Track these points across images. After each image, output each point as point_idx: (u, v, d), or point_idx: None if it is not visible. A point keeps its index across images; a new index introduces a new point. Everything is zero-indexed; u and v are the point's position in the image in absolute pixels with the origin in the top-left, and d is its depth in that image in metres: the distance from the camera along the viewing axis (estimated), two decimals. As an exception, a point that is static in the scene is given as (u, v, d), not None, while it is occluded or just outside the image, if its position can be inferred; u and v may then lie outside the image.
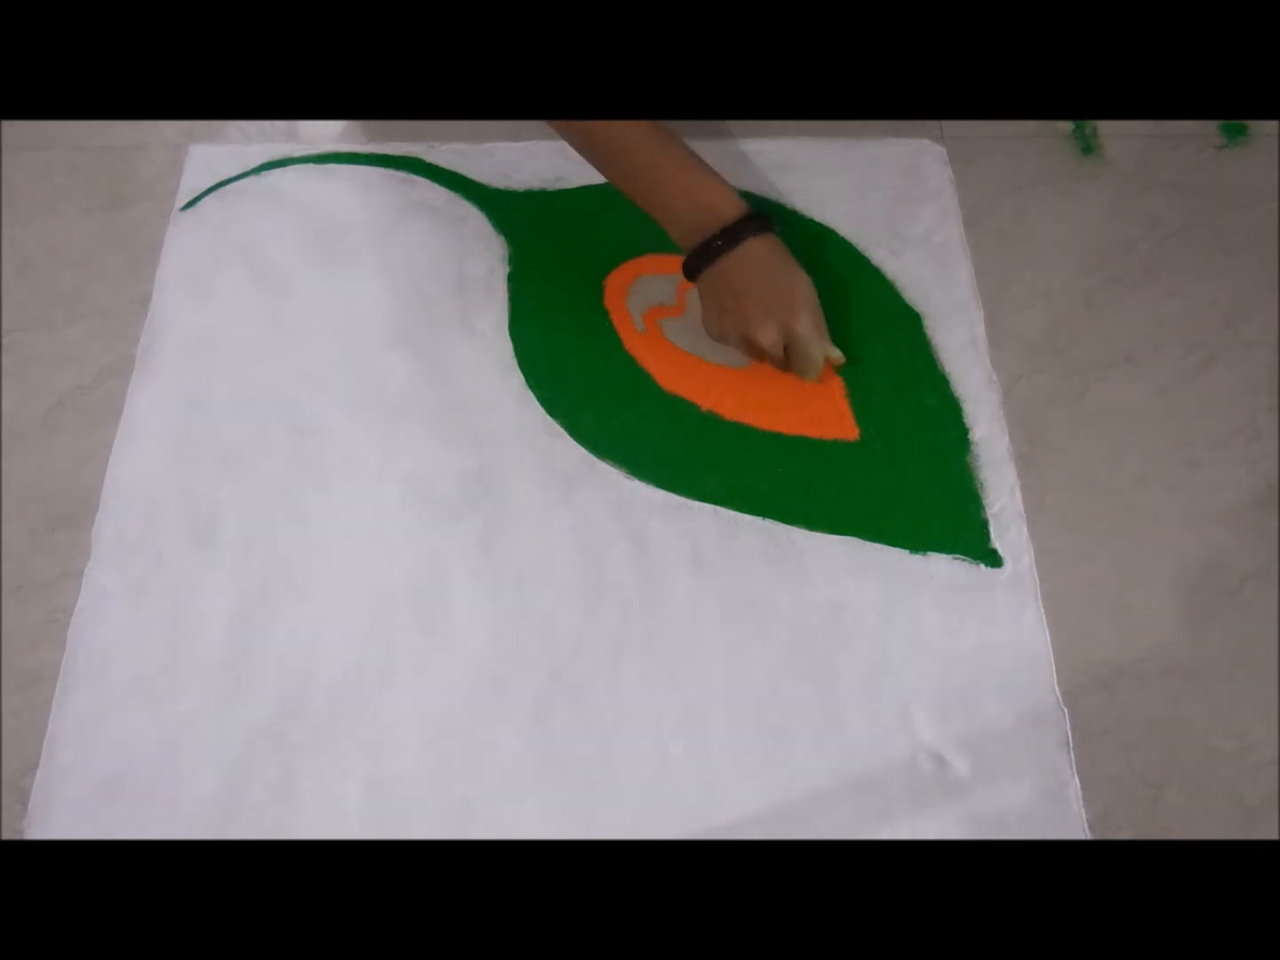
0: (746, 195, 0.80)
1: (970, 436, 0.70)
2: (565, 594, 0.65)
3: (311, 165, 0.82)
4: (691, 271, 0.68)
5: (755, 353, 0.69)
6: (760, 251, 0.66)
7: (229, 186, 0.81)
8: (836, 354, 0.70)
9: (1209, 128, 0.83)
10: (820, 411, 0.71)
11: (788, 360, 0.69)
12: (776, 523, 0.67)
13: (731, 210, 0.65)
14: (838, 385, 0.72)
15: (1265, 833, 0.58)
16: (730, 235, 0.65)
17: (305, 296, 0.76)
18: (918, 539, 0.66)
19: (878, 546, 0.66)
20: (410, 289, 0.76)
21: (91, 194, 0.81)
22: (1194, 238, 0.78)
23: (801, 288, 0.67)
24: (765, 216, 0.67)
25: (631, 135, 0.65)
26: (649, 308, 0.74)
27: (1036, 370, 0.73)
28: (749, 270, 0.66)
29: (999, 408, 0.71)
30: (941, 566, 0.65)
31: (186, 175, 0.81)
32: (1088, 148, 0.83)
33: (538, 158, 0.81)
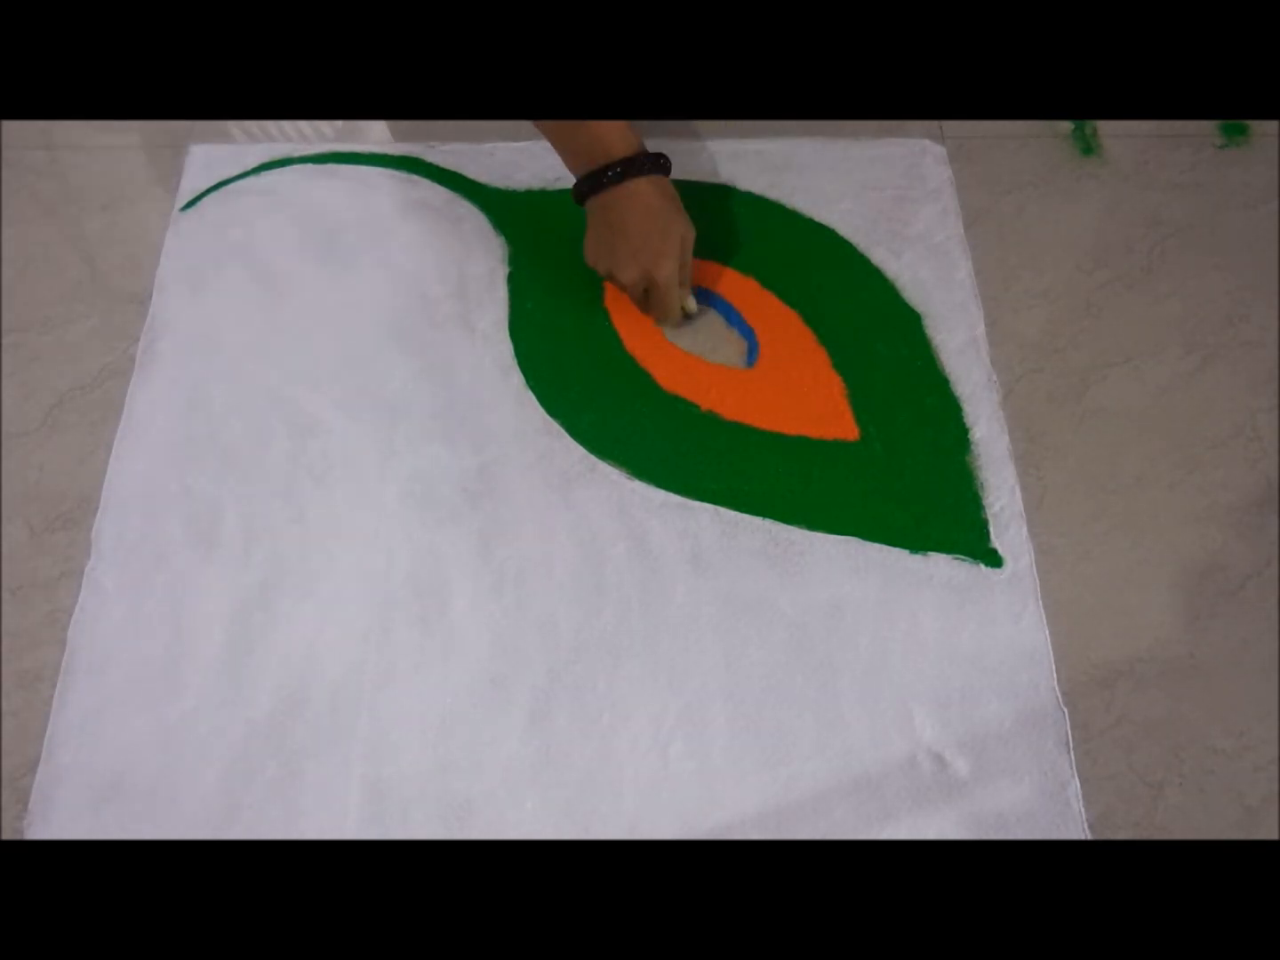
0: (746, 195, 0.80)
1: (970, 436, 0.70)
2: (565, 594, 0.65)
3: (311, 165, 0.82)
4: (578, 199, 0.70)
5: (619, 286, 0.70)
6: (644, 192, 0.67)
7: (229, 186, 0.81)
8: (691, 304, 0.72)
9: (1209, 128, 0.83)
10: (820, 411, 0.71)
11: (647, 302, 0.71)
12: (776, 523, 0.67)
13: (625, 148, 0.67)
14: (838, 385, 0.72)
15: (1265, 833, 0.58)
16: (618, 170, 0.66)
17: (305, 296, 0.76)
18: (918, 539, 0.66)
19: (878, 546, 0.66)
20: (410, 289, 0.76)
21: (91, 194, 0.81)
22: (1194, 238, 0.78)
23: (673, 236, 0.68)
24: (659, 158, 0.68)
25: None
26: (649, 308, 0.74)
27: (1036, 370, 0.73)
28: (628, 209, 0.67)
29: (999, 408, 0.71)
30: (941, 566, 0.65)
31: (186, 175, 0.81)
32: (1088, 148, 0.83)
33: (538, 158, 0.81)
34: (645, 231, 0.67)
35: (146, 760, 0.60)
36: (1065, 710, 0.61)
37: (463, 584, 0.65)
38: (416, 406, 0.71)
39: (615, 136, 0.67)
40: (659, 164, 0.68)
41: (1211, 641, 0.64)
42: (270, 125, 0.84)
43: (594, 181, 0.67)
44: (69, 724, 0.61)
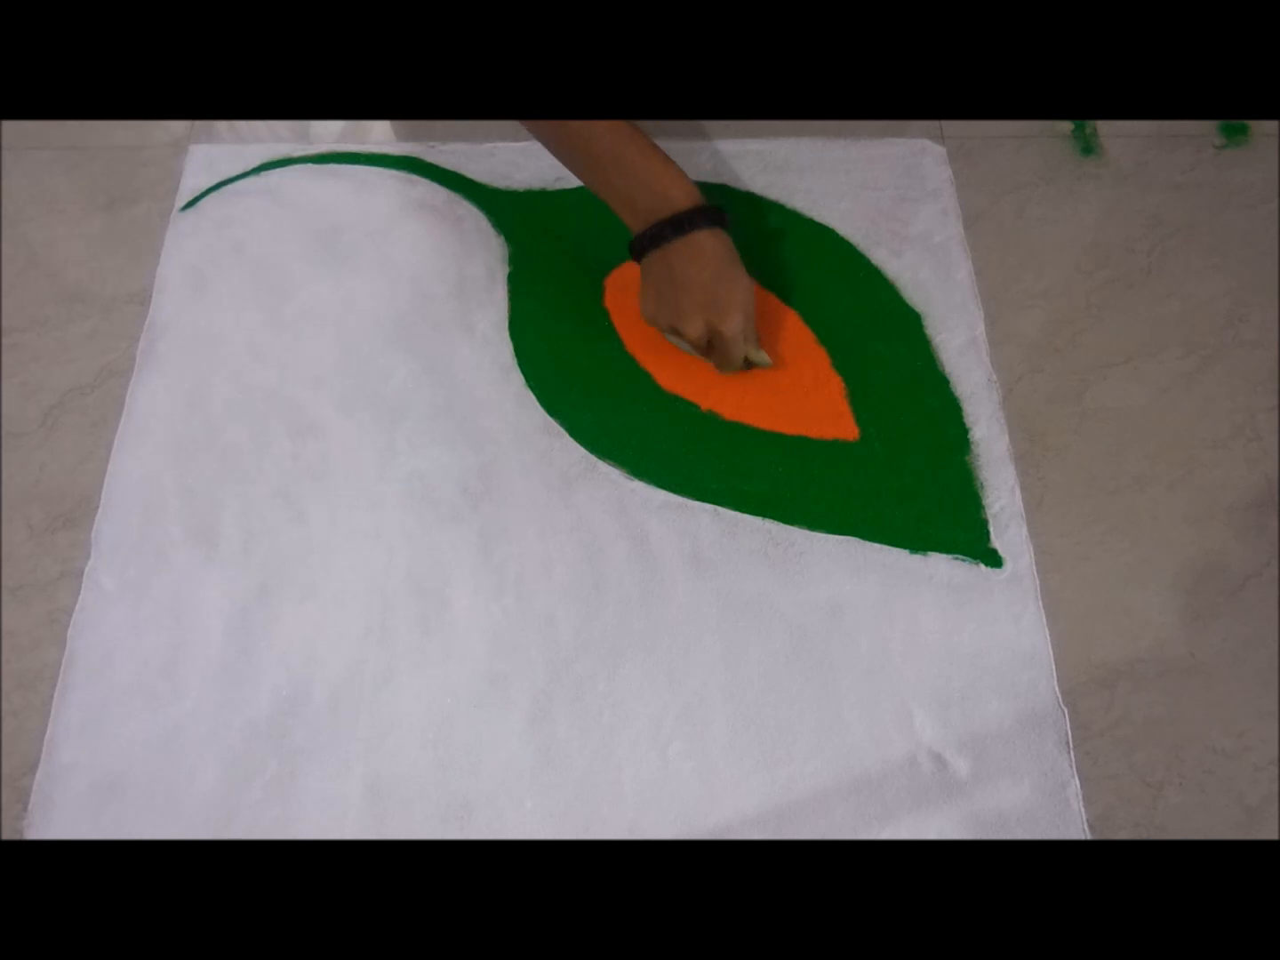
0: (746, 195, 0.80)
1: (970, 436, 0.70)
2: (565, 594, 0.65)
3: (311, 165, 0.82)
4: (637, 253, 0.68)
5: (682, 341, 0.69)
6: (706, 245, 0.65)
7: (229, 186, 0.81)
8: (763, 358, 0.70)
9: (1209, 128, 0.83)
10: (820, 411, 0.71)
11: (709, 353, 0.70)
12: (776, 523, 0.67)
13: (685, 200, 0.65)
14: (838, 385, 0.72)
15: (1265, 833, 0.59)
16: (679, 224, 0.65)
17: (305, 296, 0.76)
18: (918, 539, 0.66)
19: (878, 546, 0.66)
20: (410, 289, 0.76)
21: (91, 194, 0.81)
22: (1194, 238, 0.78)
23: (739, 290, 0.66)
24: (718, 211, 0.67)
25: (595, 124, 0.66)
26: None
27: (1036, 370, 0.73)
28: (691, 263, 0.65)
29: (999, 408, 0.71)
30: (941, 566, 0.65)
31: (186, 175, 0.81)
32: (1088, 148, 0.83)
33: (538, 158, 0.81)
34: (709, 285, 0.65)
35: (146, 760, 0.60)
36: (1065, 710, 0.61)
37: (463, 584, 0.65)
38: (416, 406, 0.71)
39: (676, 188, 0.65)
40: (719, 217, 0.67)
41: (1211, 641, 0.64)
42: (270, 125, 0.84)
43: (656, 233, 0.65)
44: (69, 724, 0.61)
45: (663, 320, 0.68)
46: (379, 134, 0.84)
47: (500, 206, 0.79)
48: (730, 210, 0.72)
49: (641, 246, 0.67)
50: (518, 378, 0.72)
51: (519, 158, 0.82)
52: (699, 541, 0.66)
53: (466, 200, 0.80)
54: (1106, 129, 0.84)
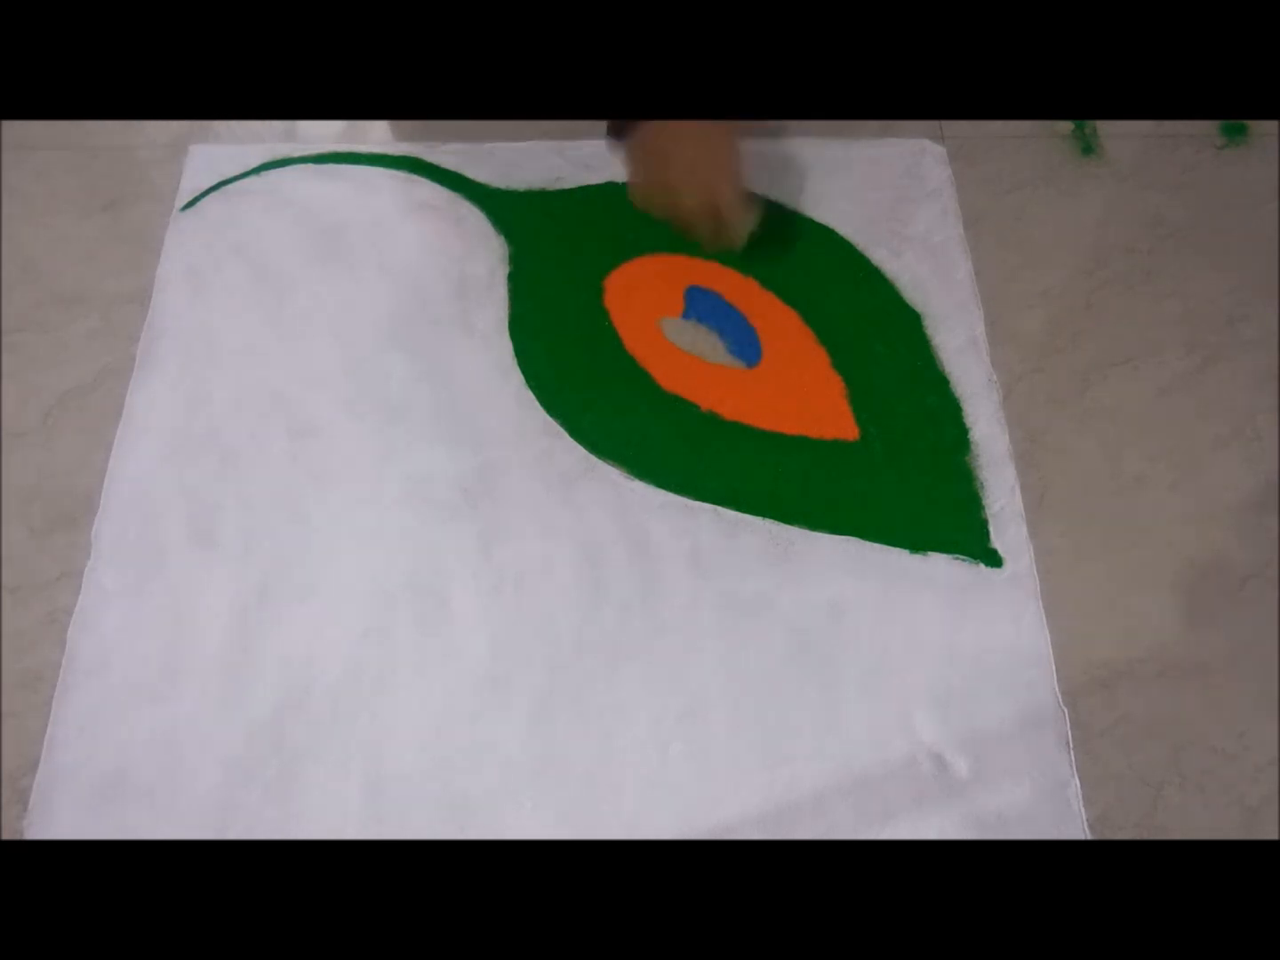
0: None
1: (970, 436, 0.70)
2: (565, 594, 0.65)
3: (311, 165, 0.82)
4: (615, 133, 0.65)
5: (680, 219, 0.67)
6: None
7: (229, 186, 0.81)
8: (751, 221, 0.69)
9: (1209, 128, 0.83)
10: (820, 411, 0.71)
11: (714, 228, 0.68)
12: (776, 523, 0.67)
13: None
14: (838, 385, 0.72)
15: (1265, 833, 0.59)
16: None
17: (305, 296, 0.76)
18: (918, 539, 0.66)
19: (878, 546, 0.66)
20: (410, 289, 0.76)
21: (91, 194, 0.81)
22: (1194, 238, 0.78)
23: (725, 151, 0.64)
24: None
25: None
26: (649, 307, 0.74)
27: (1036, 370, 0.73)
28: (674, 134, 0.63)
29: (999, 407, 0.71)
30: (941, 566, 0.65)
31: (186, 175, 0.81)
32: (1088, 148, 0.83)
33: (538, 158, 0.81)
34: (696, 152, 0.63)
35: (146, 760, 0.60)
36: (1065, 710, 0.61)
37: (463, 584, 0.65)
38: (416, 407, 0.71)
39: None
40: None
41: (1211, 641, 0.64)
42: (270, 125, 0.84)
43: None
44: (69, 724, 0.61)
45: (656, 202, 0.66)
46: (379, 134, 0.84)
47: (500, 206, 0.79)
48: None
49: (620, 127, 0.64)
50: (517, 378, 0.72)
51: (519, 158, 0.82)
52: (699, 541, 0.66)
53: (467, 200, 0.80)
54: (1106, 129, 0.84)
